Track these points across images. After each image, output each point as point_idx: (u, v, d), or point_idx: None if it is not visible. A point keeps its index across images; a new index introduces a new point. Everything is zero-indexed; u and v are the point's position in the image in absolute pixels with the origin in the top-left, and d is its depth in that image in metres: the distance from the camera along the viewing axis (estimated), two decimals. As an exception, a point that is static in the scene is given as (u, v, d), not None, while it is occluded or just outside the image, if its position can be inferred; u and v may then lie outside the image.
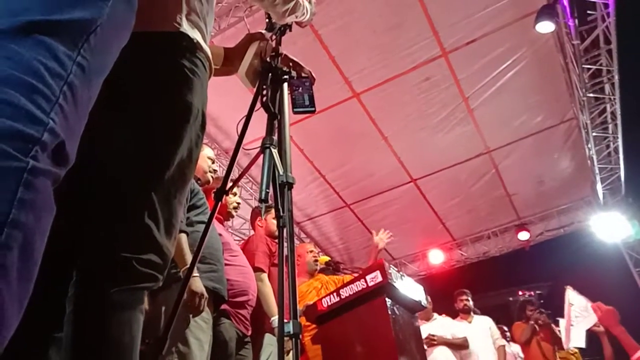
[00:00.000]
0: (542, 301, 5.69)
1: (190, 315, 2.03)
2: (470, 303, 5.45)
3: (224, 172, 1.59)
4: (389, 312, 2.76)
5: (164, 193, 1.02)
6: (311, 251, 3.93)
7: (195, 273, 2.03)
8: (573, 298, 4.39)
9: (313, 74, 1.60)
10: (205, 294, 2.04)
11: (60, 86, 0.59)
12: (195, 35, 1.12)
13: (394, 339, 2.67)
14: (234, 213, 2.86)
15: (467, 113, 5.96)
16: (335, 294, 2.98)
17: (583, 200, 7.57)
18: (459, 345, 4.89)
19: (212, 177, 2.57)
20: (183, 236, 2.08)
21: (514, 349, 5.58)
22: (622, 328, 3.09)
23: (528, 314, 5.55)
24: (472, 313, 5.42)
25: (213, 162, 2.62)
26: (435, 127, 6.15)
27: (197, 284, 2.02)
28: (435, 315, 5.30)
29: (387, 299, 2.81)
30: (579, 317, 4.25)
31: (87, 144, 0.77)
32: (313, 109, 1.53)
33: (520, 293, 6.09)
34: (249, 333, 2.63)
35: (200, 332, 2.07)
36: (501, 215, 7.81)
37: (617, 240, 7.26)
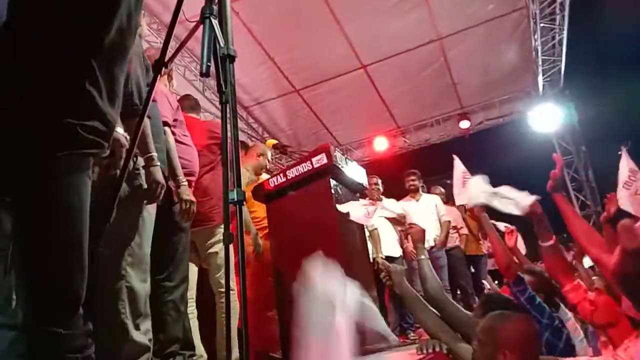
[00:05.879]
0: None
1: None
2: (417, 183, 5.80)
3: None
4: (333, 192, 2.90)
5: (105, 60, 1.02)
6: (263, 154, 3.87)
7: (157, 162, 2.03)
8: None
9: None
10: (164, 184, 2.06)
11: None
12: None
13: (337, 217, 2.84)
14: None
15: (423, -5, 5.78)
16: (282, 174, 3.07)
17: (524, 91, 7.84)
18: (397, 221, 5.30)
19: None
20: (147, 121, 2.02)
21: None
22: None
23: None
24: (420, 191, 5.78)
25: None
26: (390, 11, 5.96)
27: (159, 174, 2.03)
28: (384, 198, 5.60)
29: (331, 180, 2.93)
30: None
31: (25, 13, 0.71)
32: None
33: (456, 177, 6.51)
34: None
35: (151, 207, 2.12)
36: (445, 104, 8.01)
37: (550, 130, 7.71)
